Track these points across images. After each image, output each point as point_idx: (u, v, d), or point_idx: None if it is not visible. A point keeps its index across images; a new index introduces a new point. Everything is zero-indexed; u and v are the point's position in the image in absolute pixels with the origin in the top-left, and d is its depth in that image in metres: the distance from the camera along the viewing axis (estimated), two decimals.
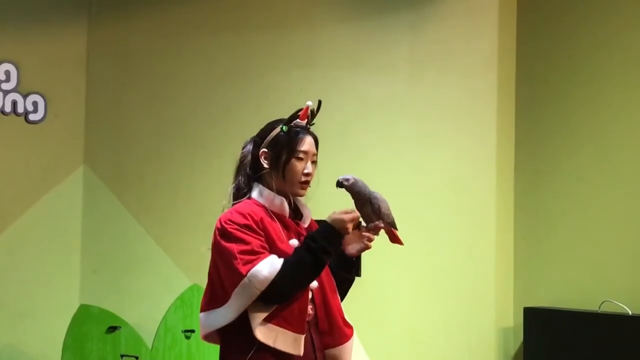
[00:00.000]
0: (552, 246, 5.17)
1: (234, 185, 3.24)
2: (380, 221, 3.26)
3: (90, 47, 6.84)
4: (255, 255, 3.02)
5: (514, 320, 5.21)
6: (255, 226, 3.08)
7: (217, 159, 6.01)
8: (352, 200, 3.29)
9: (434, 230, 5.28)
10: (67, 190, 6.74)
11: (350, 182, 3.24)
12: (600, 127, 5.03)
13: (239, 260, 3.02)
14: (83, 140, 6.79)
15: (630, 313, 4.73)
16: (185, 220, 6.28)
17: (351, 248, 3.31)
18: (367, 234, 3.28)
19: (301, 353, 3.08)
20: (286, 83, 5.87)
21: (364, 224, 3.29)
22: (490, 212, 5.16)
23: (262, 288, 3.00)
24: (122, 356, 6.01)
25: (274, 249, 3.08)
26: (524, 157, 5.29)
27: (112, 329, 6.25)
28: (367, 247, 3.30)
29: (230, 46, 6.20)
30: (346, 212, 3.12)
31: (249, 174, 3.21)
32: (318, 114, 3.25)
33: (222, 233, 3.08)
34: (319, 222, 3.27)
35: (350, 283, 3.35)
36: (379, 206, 3.25)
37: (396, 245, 3.35)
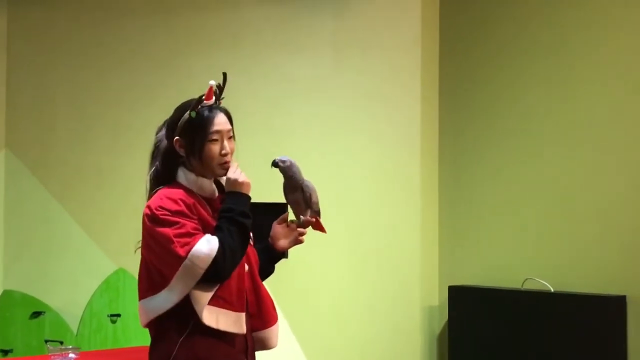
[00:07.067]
0: (476, 226, 5.23)
1: (152, 171, 3.18)
2: (312, 215, 3.28)
3: (10, 28, 6.72)
4: (191, 237, 3.00)
5: (439, 298, 5.26)
6: (187, 211, 3.04)
7: (142, 143, 5.91)
8: (283, 181, 3.29)
9: (360, 211, 5.30)
10: None
11: (287, 164, 3.24)
12: (523, 109, 5.08)
13: (176, 243, 2.98)
14: (4, 123, 6.68)
15: (552, 290, 4.81)
16: (110, 204, 6.22)
17: (282, 242, 3.33)
18: (299, 229, 3.30)
19: (244, 331, 3.08)
20: (210, 65, 5.83)
21: (292, 217, 3.29)
22: (415, 194, 5.20)
23: (206, 266, 2.97)
24: (46, 341, 5.95)
25: (207, 231, 3.06)
26: (448, 139, 5.33)
27: (36, 314, 6.19)
28: (300, 242, 3.33)
29: (153, 29, 6.14)
30: (235, 173, 3.09)
31: (167, 160, 3.16)
32: (225, 87, 3.17)
33: (154, 219, 3.03)
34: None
35: (269, 274, 3.36)
36: (310, 195, 3.26)
37: (318, 232, 3.37)
